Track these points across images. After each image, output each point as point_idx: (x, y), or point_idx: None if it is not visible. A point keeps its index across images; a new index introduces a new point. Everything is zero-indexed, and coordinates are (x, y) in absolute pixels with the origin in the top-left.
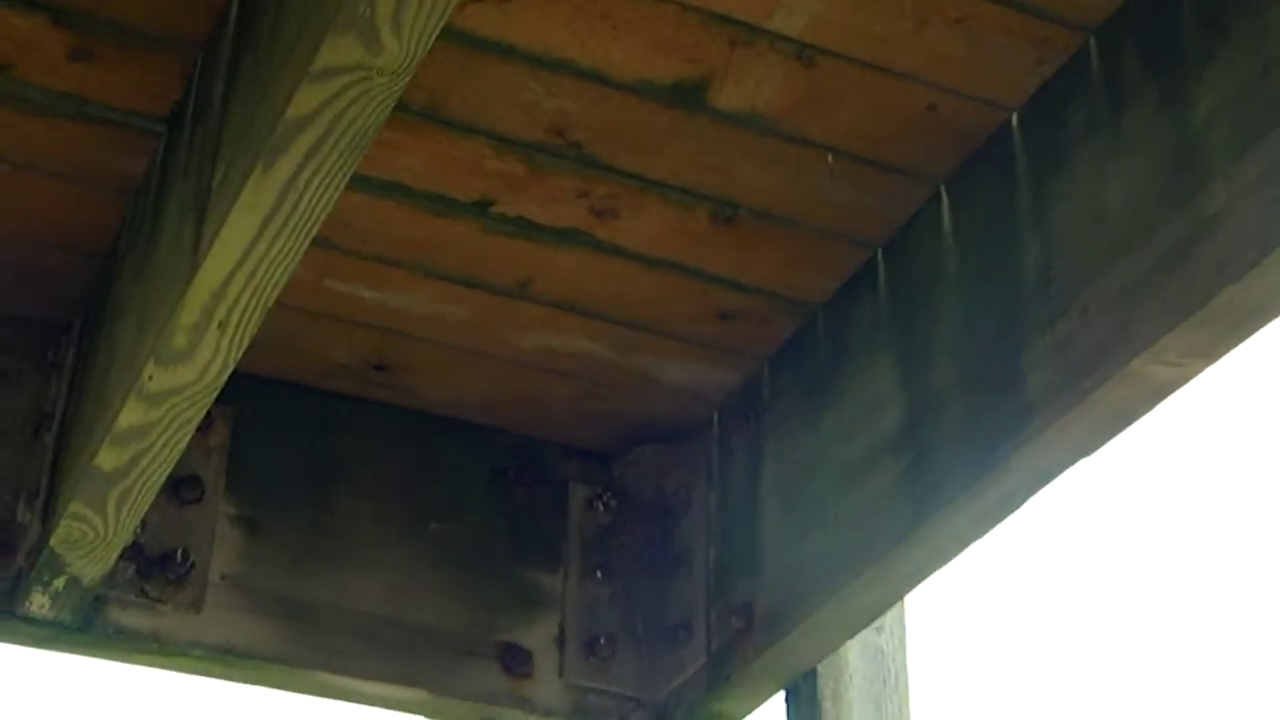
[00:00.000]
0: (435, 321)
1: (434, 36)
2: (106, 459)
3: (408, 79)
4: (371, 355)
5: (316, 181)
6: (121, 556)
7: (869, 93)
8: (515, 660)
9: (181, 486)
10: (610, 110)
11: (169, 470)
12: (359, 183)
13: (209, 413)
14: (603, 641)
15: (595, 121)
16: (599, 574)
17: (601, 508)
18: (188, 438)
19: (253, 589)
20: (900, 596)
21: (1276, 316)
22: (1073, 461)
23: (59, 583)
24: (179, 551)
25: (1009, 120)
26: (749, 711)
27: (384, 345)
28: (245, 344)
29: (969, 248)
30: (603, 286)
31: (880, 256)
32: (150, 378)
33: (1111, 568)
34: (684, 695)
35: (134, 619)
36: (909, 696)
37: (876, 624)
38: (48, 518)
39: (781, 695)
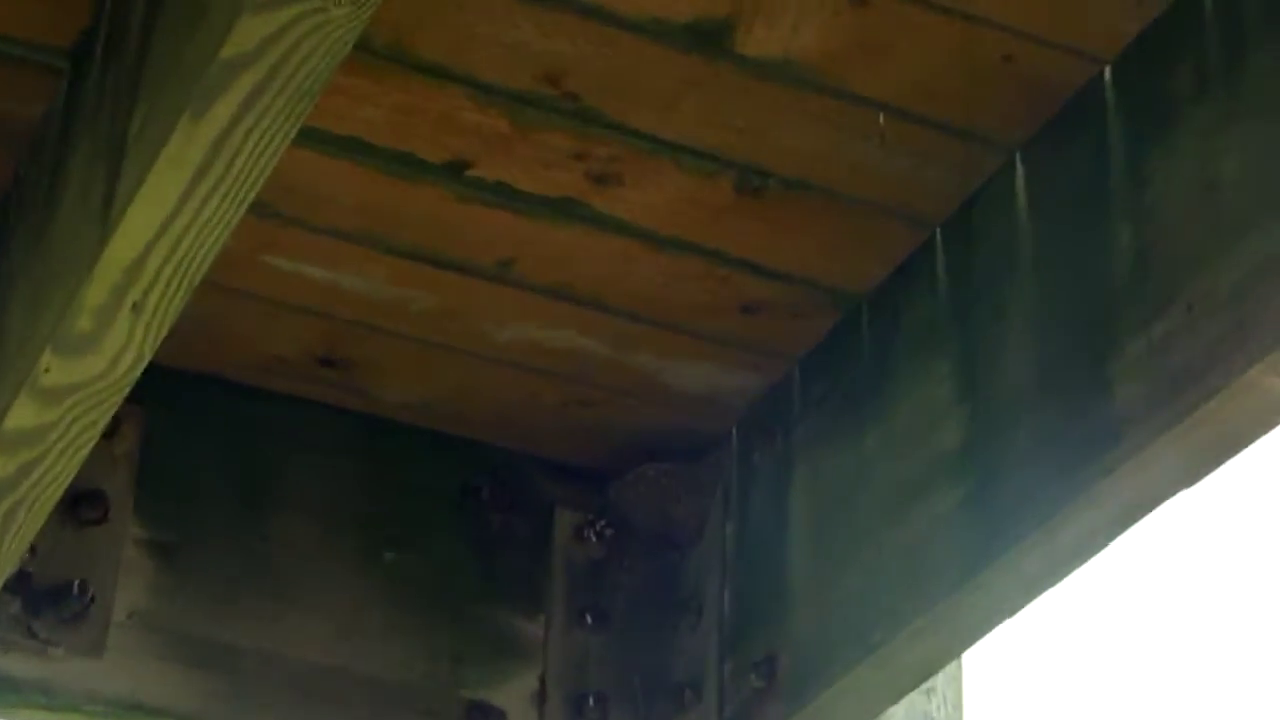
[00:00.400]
0: (396, 308)
1: None
2: None
3: (372, 11)
4: (317, 347)
5: (257, 134)
6: (5, 588)
7: (931, 39)
8: None
9: (81, 503)
10: (614, 55)
11: (66, 483)
12: (308, 137)
13: (117, 414)
14: (592, 702)
15: (596, 68)
16: (588, 619)
17: (594, 538)
18: (91, 444)
19: (165, 630)
20: (956, 654)
21: None
22: (1170, 493)
23: None
24: (76, 583)
25: (1100, 74)
26: None
27: (333, 336)
28: (164, 331)
29: (1048, 229)
30: (600, 270)
31: (939, 238)
32: (46, 370)
33: (1213, 614)
34: None
35: (18, 665)
36: None
37: (927, 686)
38: None
39: None
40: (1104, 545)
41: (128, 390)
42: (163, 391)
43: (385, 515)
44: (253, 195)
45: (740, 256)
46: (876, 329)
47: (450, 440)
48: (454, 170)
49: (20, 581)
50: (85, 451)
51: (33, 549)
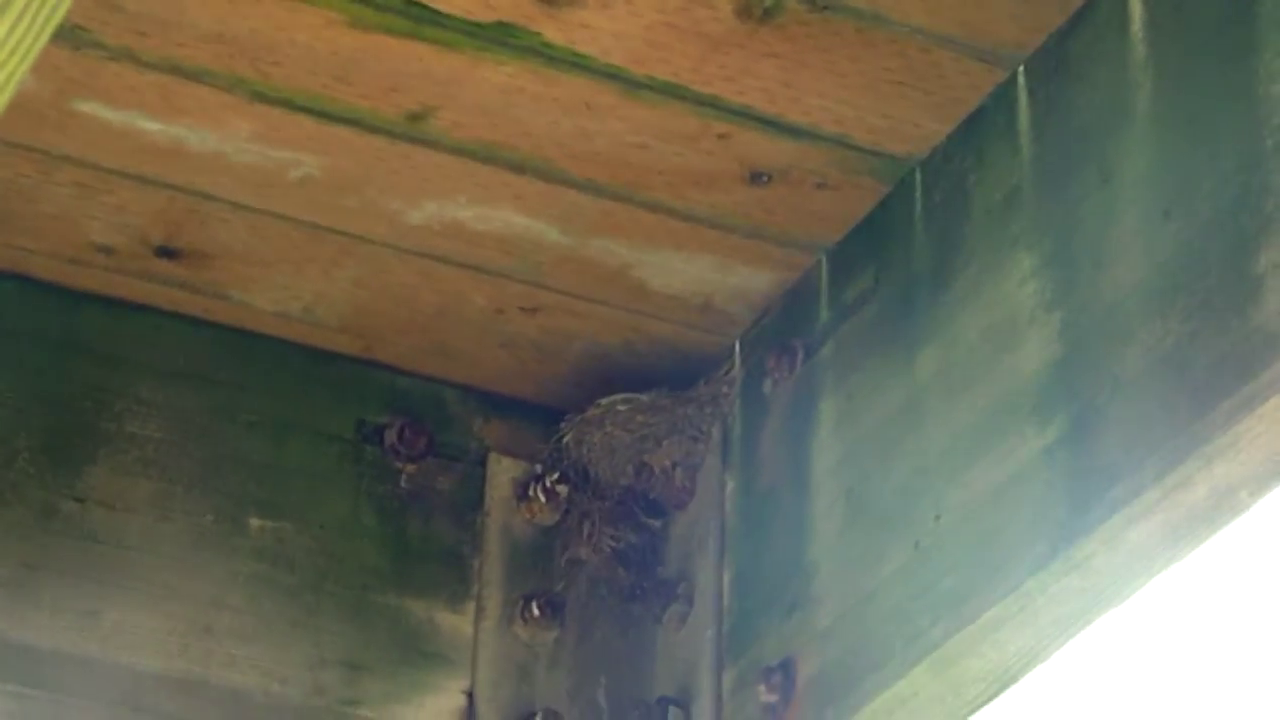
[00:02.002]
0: (266, 176)
1: None
2: None
3: None
4: (155, 231)
5: None
6: None
7: None
8: None
9: None
10: None
11: None
12: None
13: None
14: None
15: None
16: (535, 610)
17: (542, 498)
18: None
19: None
20: (1044, 656)
21: None
22: None
23: None
24: None
25: None
26: None
27: (176, 214)
28: None
29: (1176, 64)
30: (550, 124)
31: (1022, 77)
32: None
33: None
34: None
35: None
36: None
37: (1001, 702)
38: None
39: None
40: (1246, 508)
41: None
42: None
43: (249, 467)
44: (62, 15)
45: (744, 105)
46: (935, 207)
47: (341, 362)
48: None
49: None
50: None
51: None
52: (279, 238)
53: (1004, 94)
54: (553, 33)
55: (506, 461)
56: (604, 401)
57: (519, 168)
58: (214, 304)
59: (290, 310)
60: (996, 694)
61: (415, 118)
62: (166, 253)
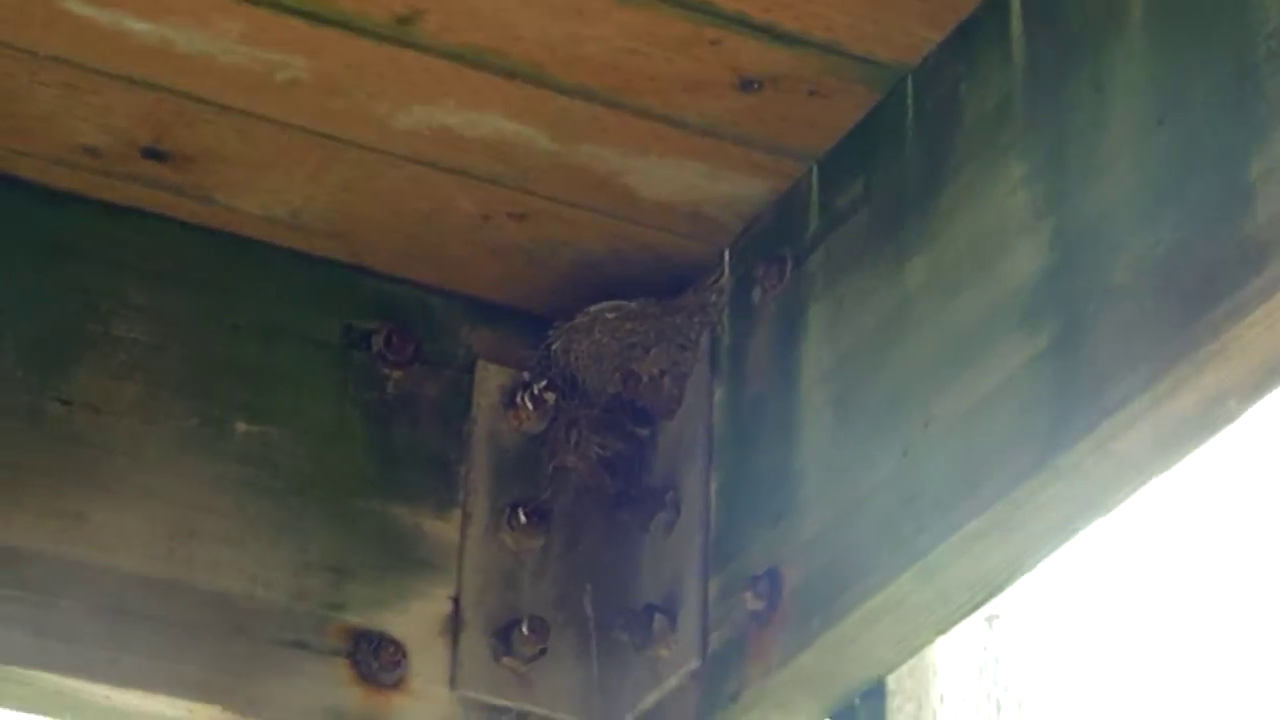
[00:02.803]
0: (254, 80)
1: None
2: None
3: None
4: (142, 133)
5: None
6: None
7: None
8: (375, 658)
9: None
10: None
11: None
12: None
13: None
14: (525, 630)
15: None
16: (521, 517)
17: (529, 405)
18: None
19: None
20: (1030, 565)
21: None
22: None
23: None
24: None
25: None
26: None
27: (164, 117)
28: None
29: None
30: (542, 27)
31: None
32: None
33: None
34: None
35: None
36: None
37: (989, 612)
38: None
39: None
40: (1235, 417)
41: None
42: None
43: (236, 371)
44: None
45: (737, 11)
46: (926, 115)
47: (329, 267)
48: None
49: None
50: None
51: None
52: (266, 141)
53: (996, 1)
54: None
55: (494, 368)
56: (592, 309)
57: (508, 72)
58: (201, 207)
59: (277, 214)
60: (982, 602)
61: (404, 20)
62: (154, 154)
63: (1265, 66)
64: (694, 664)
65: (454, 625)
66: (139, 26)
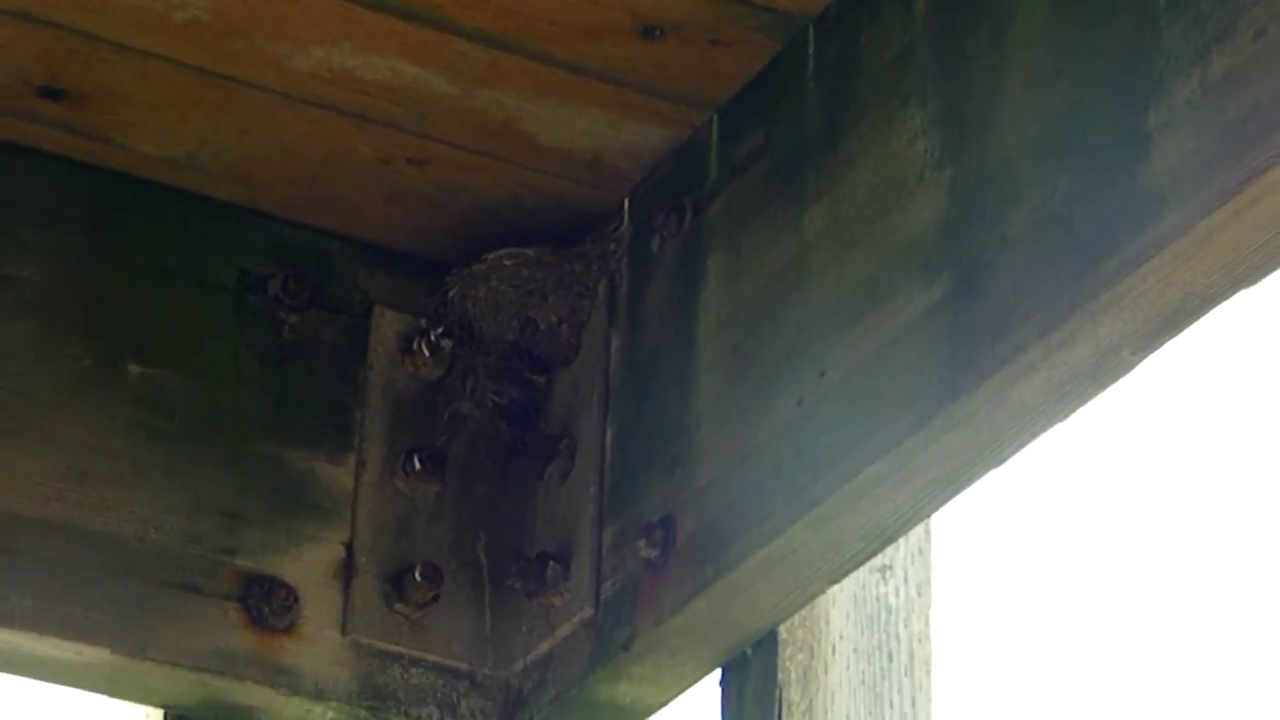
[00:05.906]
0: (151, 17)
1: None
2: None
3: None
4: (36, 72)
5: None
6: None
7: None
8: (267, 603)
9: None
10: None
11: None
12: None
13: None
14: (419, 577)
15: None
16: (416, 463)
17: (425, 351)
18: None
19: None
20: (924, 514)
21: None
22: (1226, 293)
23: None
24: None
25: None
26: (661, 704)
27: (59, 54)
28: None
29: None
30: None
31: None
32: None
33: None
34: (552, 672)
35: None
36: (929, 680)
37: (882, 560)
38: None
39: (716, 677)
40: (1130, 367)
41: None
42: None
43: (131, 313)
44: None
45: None
46: (826, 64)
47: (226, 210)
48: None
49: None
50: None
51: None
52: (163, 81)
53: None
54: None
55: (390, 314)
56: (490, 256)
57: (408, 15)
58: (97, 147)
59: (174, 155)
60: (875, 551)
61: None
62: (49, 93)
63: (1165, 16)
64: (587, 612)
65: (347, 571)
66: None
